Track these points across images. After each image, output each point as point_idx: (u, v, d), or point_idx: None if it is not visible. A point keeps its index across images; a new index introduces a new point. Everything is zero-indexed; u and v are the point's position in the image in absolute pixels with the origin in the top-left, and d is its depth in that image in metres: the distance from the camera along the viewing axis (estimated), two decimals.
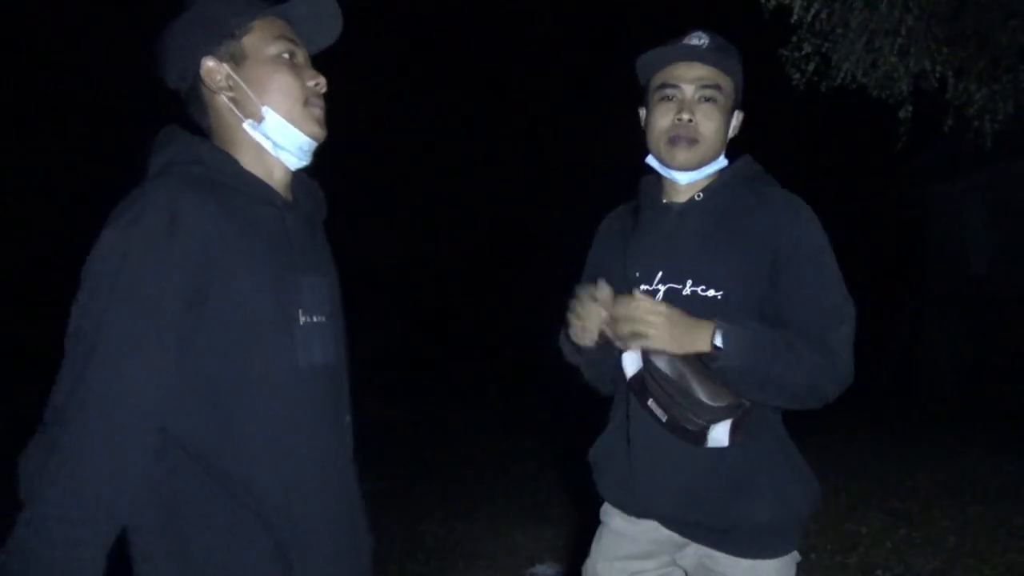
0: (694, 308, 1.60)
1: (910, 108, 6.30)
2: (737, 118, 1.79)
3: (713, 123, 1.70)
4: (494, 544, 4.57)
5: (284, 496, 1.28)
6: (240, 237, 1.26)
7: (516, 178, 18.44)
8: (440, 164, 18.65)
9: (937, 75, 6.07)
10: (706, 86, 1.69)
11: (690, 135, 1.68)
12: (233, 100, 1.36)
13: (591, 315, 1.61)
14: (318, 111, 1.40)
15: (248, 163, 1.36)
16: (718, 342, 1.52)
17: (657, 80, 1.73)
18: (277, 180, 1.39)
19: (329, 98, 1.45)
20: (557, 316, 1.90)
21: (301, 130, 1.37)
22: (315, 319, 1.34)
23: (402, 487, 5.78)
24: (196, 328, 1.22)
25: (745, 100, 1.80)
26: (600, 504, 1.91)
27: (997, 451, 6.11)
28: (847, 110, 8.09)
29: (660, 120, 1.72)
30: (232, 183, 1.31)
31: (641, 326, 1.53)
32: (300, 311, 1.31)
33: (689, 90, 1.69)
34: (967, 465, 5.85)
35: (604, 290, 1.60)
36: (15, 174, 13.45)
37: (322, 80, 1.41)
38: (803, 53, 6.20)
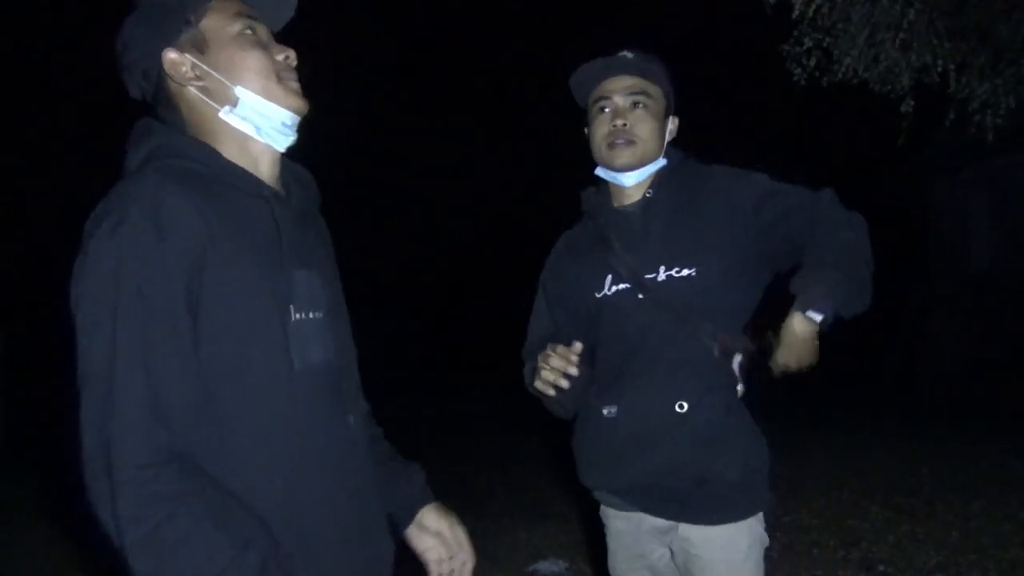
0: (672, 290, 1.78)
1: (912, 103, 6.28)
2: (673, 123, 1.95)
3: (647, 125, 1.86)
4: (497, 541, 4.57)
5: (284, 502, 1.22)
6: (229, 232, 1.19)
7: (518, 176, 18.43)
8: (443, 162, 18.65)
9: (939, 69, 6.06)
10: (634, 92, 1.86)
11: (627, 137, 1.84)
12: (203, 89, 1.28)
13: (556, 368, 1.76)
14: (294, 83, 1.33)
15: (232, 155, 1.28)
16: (815, 317, 1.66)
17: (592, 97, 1.90)
18: (264, 172, 1.32)
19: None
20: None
21: (280, 104, 1.30)
22: (310, 316, 1.28)
23: None
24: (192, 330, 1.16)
25: (679, 106, 1.96)
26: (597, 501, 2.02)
27: (1000, 446, 6.10)
28: (848, 105, 8.08)
29: (598, 129, 1.89)
30: (217, 176, 1.24)
31: (804, 362, 1.71)
32: (292, 307, 1.25)
33: (620, 99, 1.86)
34: (970, 460, 5.85)
35: (577, 347, 1.76)
36: (13, 174, 13.45)
37: (291, 53, 1.34)
38: (804, 48, 6.19)
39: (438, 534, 1.53)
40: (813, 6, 5.84)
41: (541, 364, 1.79)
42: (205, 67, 1.27)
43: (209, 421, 1.17)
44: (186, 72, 1.27)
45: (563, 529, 4.63)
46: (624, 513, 1.93)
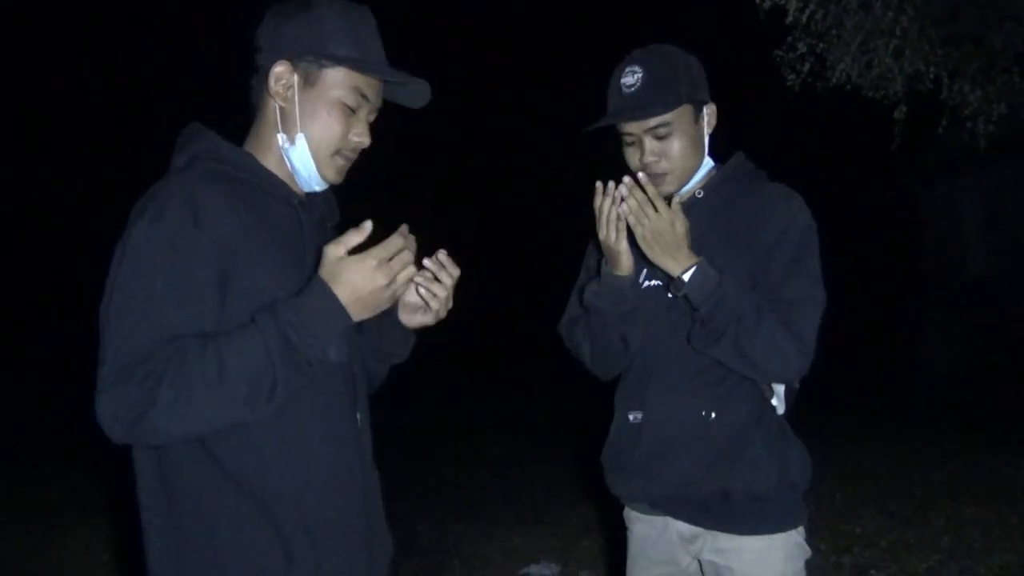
0: None
1: (905, 109, 6.32)
2: (709, 114, 1.82)
3: (676, 151, 1.76)
4: (490, 545, 4.57)
5: (294, 492, 1.29)
6: (259, 230, 1.30)
7: (521, 178, 18.40)
8: (443, 163, 18.63)
9: (932, 76, 6.10)
10: (654, 127, 1.74)
11: (659, 170, 1.76)
12: (281, 109, 1.39)
13: (612, 212, 1.67)
14: (343, 162, 1.44)
15: (271, 163, 1.41)
16: (685, 276, 1.65)
17: (616, 127, 1.80)
18: (294, 185, 1.44)
19: None
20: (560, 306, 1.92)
21: (319, 171, 1.42)
22: None
23: (398, 488, 5.78)
24: (217, 320, 1.25)
25: (712, 88, 1.83)
26: (599, 505, 1.95)
27: (993, 452, 6.13)
28: (842, 111, 8.11)
29: (630, 161, 1.80)
30: (252, 180, 1.36)
31: (640, 217, 1.63)
32: None
33: (643, 136, 1.75)
34: (962, 465, 5.87)
35: (624, 183, 1.66)
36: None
37: (366, 141, 1.44)
38: (798, 54, 6.22)
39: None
40: (807, 12, 5.87)
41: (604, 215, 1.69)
42: (296, 98, 1.38)
43: None
44: (280, 88, 1.38)
45: (556, 533, 4.62)
46: (649, 517, 1.86)
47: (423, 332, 1.61)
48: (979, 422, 7.55)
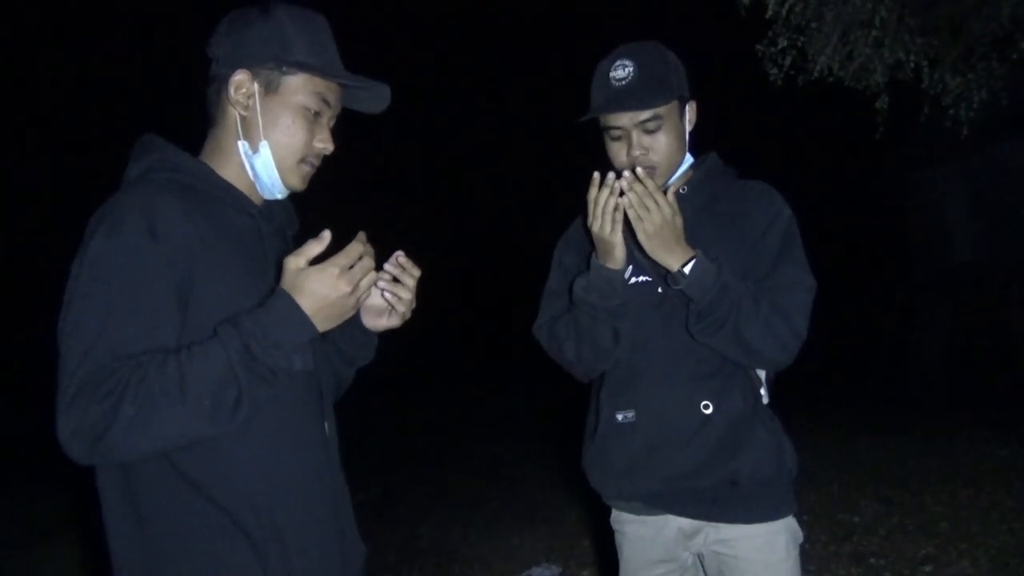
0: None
1: (886, 99, 6.37)
2: (691, 111, 1.84)
3: (664, 146, 1.77)
4: (490, 547, 4.57)
5: (264, 500, 1.29)
6: (218, 241, 1.28)
7: (519, 180, 18.40)
8: (442, 166, 18.62)
9: (912, 65, 6.15)
10: (645, 121, 1.75)
11: (647, 164, 1.76)
12: (242, 118, 1.37)
13: (609, 203, 1.65)
14: (308, 169, 1.43)
15: (230, 173, 1.39)
16: (686, 270, 1.66)
17: (602, 122, 1.80)
18: (255, 195, 1.43)
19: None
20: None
21: (282, 179, 1.40)
22: None
23: (397, 492, 5.79)
24: (180, 332, 1.24)
25: (692, 85, 1.84)
26: (598, 505, 1.94)
27: (986, 436, 6.17)
28: (825, 103, 8.16)
29: (616, 156, 1.80)
30: (210, 191, 1.34)
31: (642, 211, 1.62)
32: None
33: (632, 129, 1.76)
34: (957, 451, 5.90)
35: (625, 177, 1.64)
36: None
37: (330, 147, 1.43)
38: (779, 48, 6.26)
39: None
40: (786, 6, 5.90)
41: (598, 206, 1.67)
42: (257, 106, 1.36)
43: None
44: (241, 96, 1.36)
45: (556, 533, 4.62)
46: (644, 517, 1.85)
47: (417, 335, 1.61)
48: (971, 406, 7.59)
